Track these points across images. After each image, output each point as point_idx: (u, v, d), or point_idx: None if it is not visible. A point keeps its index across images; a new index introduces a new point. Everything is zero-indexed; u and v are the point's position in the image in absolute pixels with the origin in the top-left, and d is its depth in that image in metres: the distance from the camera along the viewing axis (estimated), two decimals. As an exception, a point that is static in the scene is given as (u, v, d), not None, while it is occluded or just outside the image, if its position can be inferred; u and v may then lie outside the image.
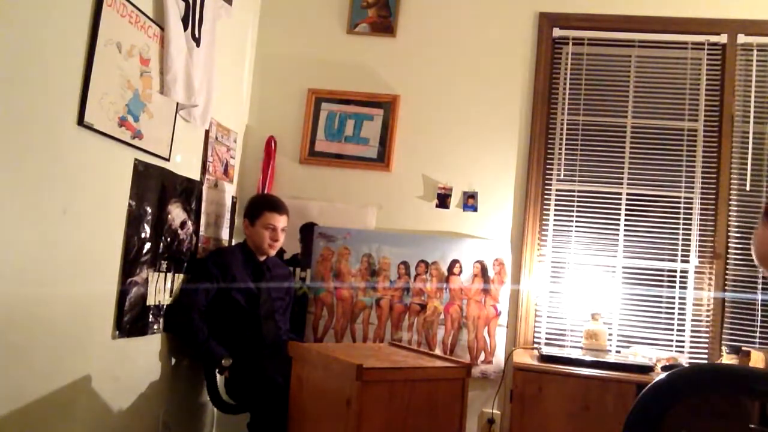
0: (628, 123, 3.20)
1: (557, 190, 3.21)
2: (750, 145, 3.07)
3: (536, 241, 3.17)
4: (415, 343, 3.13)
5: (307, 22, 3.46)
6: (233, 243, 3.23)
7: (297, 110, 3.40)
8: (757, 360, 2.61)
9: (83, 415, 2.21)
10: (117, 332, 2.34)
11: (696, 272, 3.07)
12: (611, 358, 2.79)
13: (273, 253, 2.95)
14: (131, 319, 2.41)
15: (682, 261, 3.08)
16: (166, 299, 2.65)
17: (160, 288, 2.60)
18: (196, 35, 2.71)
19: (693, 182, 3.11)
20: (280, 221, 2.91)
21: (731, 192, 3.07)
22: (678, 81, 3.18)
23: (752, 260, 3.22)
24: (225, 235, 3.20)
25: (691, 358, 3.03)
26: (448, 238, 3.21)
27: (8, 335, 1.84)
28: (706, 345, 3.01)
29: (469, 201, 3.22)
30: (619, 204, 3.15)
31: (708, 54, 3.16)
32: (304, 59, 3.44)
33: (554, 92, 3.26)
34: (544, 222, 3.20)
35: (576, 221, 3.17)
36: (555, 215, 3.20)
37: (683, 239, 3.09)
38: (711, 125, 3.13)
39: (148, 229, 2.48)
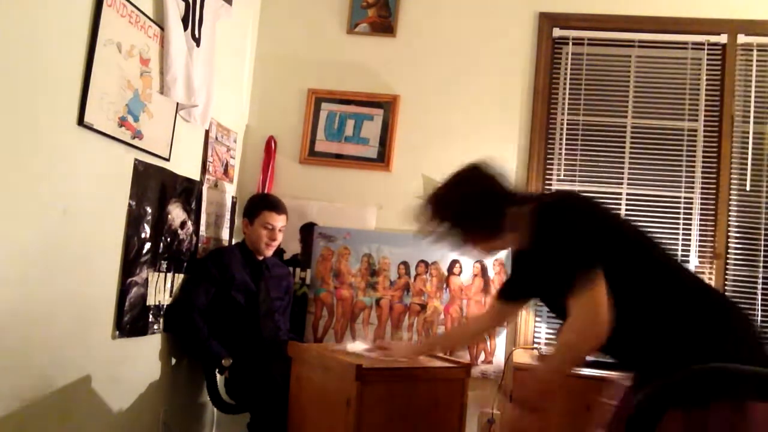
0: (628, 123, 3.20)
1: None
2: (750, 145, 3.07)
3: (536, 241, 3.17)
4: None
5: (307, 22, 3.46)
6: (233, 243, 3.23)
7: (297, 110, 3.39)
8: (757, 360, 2.61)
9: (83, 415, 2.21)
10: (117, 332, 2.34)
11: (696, 272, 3.06)
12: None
13: (270, 253, 2.94)
14: (131, 319, 2.41)
15: (682, 261, 3.08)
16: (166, 299, 2.65)
17: (160, 288, 2.60)
18: (196, 35, 2.71)
19: (693, 182, 3.11)
20: (279, 221, 2.91)
21: (731, 192, 3.07)
22: (678, 81, 3.18)
23: (752, 260, 3.22)
24: (225, 235, 3.20)
25: (691, 358, 3.02)
26: (448, 238, 3.20)
27: (8, 335, 1.84)
28: (706, 345, 3.01)
29: (469, 201, 3.22)
30: (619, 204, 3.15)
31: (708, 54, 3.16)
32: (304, 59, 3.43)
33: (554, 92, 3.26)
34: (544, 222, 3.19)
35: (576, 221, 3.17)
36: (555, 215, 3.19)
37: (683, 239, 3.09)
38: (711, 125, 3.13)
39: (148, 229, 2.48)
